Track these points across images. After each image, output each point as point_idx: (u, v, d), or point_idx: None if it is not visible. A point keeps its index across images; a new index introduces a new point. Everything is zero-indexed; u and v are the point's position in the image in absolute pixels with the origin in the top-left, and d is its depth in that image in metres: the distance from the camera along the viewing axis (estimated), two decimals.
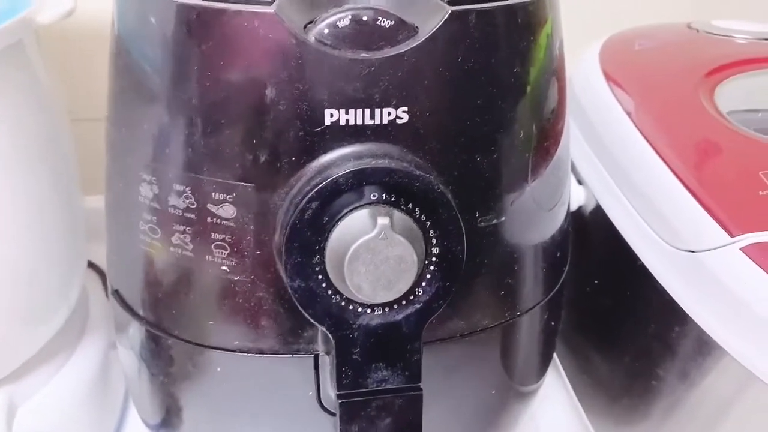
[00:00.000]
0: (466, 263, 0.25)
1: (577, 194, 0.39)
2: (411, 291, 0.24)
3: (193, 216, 0.24)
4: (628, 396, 0.36)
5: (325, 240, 0.23)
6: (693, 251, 0.30)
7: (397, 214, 0.23)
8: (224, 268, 0.25)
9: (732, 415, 0.29)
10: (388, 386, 0.25)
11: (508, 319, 0.28)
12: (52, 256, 0.36)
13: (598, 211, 0.38)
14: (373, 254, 0.22)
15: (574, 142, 0.40)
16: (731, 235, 0.28)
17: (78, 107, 0.47)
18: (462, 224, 0.24)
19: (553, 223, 0.30)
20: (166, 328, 0.27)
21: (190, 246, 0.25)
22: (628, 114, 0.37)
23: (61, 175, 0.36)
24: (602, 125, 0.39)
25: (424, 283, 0.24)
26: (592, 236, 0.40)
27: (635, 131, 0.35)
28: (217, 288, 0.25)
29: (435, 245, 0.24)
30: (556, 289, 0.32)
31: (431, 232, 0.24)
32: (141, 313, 0.28)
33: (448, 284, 0.24)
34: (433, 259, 0.24)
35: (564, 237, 0.32)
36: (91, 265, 0.45)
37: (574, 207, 0.38)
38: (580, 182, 0.40)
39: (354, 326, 0.24)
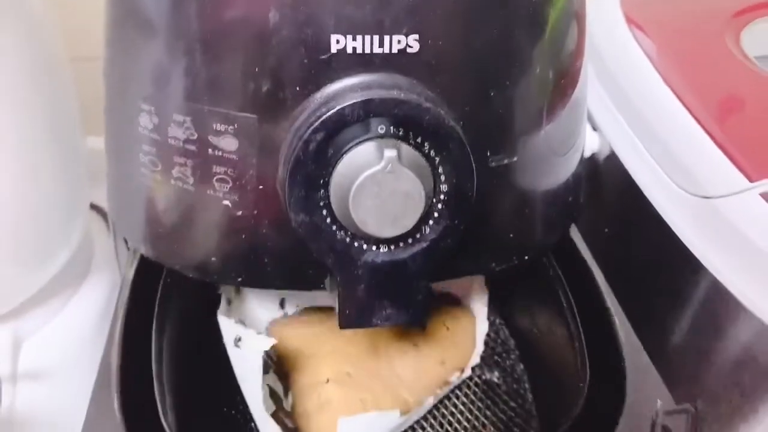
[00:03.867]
0: (475, 204, 0.24)
1: (591, 141, 0.38)
2: (418, 229, 0.23)
3: (193, 148, 0.23)
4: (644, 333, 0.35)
5: (330, 173, 0.22)
6: (709, 197, 0.29)
7: (405, 148, 0.22)
8: (226, 202, 0.24)
9: (748, 365, 0.28)
10: (392, 324, 0.24)
11: (515, 263, 0.28)
12: (53, 196, 0.36)
13: (613, 158, 0.37)
14: (380, 188, 0.21)
15: (590, 88, 0.38)
16: (750, 180, 0.27)
17: (77, 46, 0.45)
18: (472, 161, 0.23)
19: (567, 168, 0.29)
20: (167, 263, 0.26)
21: (191, 179, 0.24)
22: (650, 58, 0.36)
23: (60, 113, 0.36)
24: (621, 70, 0.37)
25: (431, 221, 0.23)
26: (606, 184, 0.39)
27: (656, 75, 0.34)
28: (219, 223, 0.24)
29: (444, 182, 0.23)
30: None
31: (440, 168, 0.23)
32: (142, 248, 0.27)
33: (456, 223, 0.23)
34: (442, 196, 0.23)
35: (577, 183, 0.31)
36: (96, 207, 0.45)
37: (587, 154, 0.37)
38: (594, 129, 0.39)
39: (359, 263, 0.23)
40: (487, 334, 0.42)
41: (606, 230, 0.38)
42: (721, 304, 0.28)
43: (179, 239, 0.26)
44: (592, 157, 0.38)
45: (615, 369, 0.29)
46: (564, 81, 0.26)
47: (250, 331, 0.35)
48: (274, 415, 0.37)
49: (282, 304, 0.42)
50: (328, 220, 0.23)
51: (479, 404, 0.40)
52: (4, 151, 0.31)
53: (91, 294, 0.40)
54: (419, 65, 0.22)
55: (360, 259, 0.23)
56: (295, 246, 0.24)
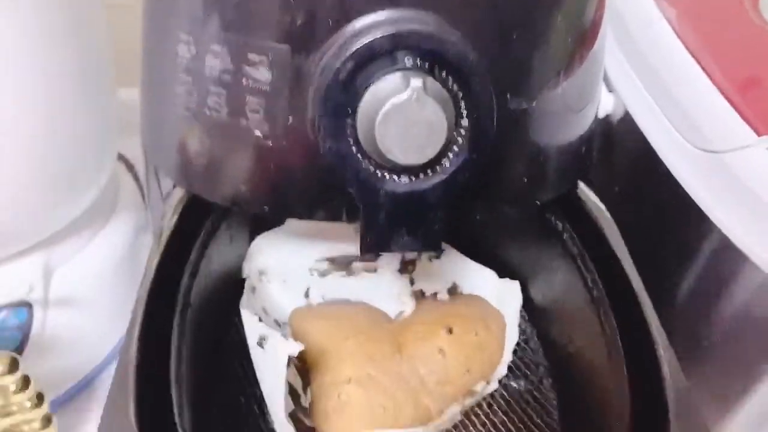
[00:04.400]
0: (493, 144, 0.24)
1: (606, 102, 0.39)
2: (438, 161, 0.24)
3: (228, 78, 0.25)
4: (654, 293, 0.34)
5: (358, 102, 0.23)
6: (718, 152, 0.29)
7: (430, 80, 0.23)
8: (257, 132, 0.25)
9: (752, 319, 0.27)
10: (410, 251, 0.25)
11: (527, 206, 0.28)
12: (85, 138, 0.38)
13: (626, 120, 0.37)
14: (405, 116, 0.22)
15: (609, 51, 0.39)
16: (759, 134, 0.27)
17: None
18: (493, 98, 0.24)
19: (581, 122, 0.30)
20: (197, 191, 0.27)
21: (225, 109, 0.25)
22: (669, 20, 0.36)
23: (94, 58, 0.38)
24: (641, 32, 0.38)
25: (451, 154, 0.24)
26: (618, 145, 0.39)
27: (675, 38, 0.35)
28: (249, 153, 0.25)
29: (465, 116, 0.24)
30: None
31: (462, 102, 0.24)
32: (174, 178, 0.28)
33: (475, 157, 0.24)
34: (462, 130, 0.24)
35: (590, 138, 0.31)
36: (122, 157, 0.48)
37: (602, 114, 0.38)
38: (610, 91, 0.40)
39: (381, 192, 0.24)
40: (516, 344, 0.40)
41: (616, 188, 0.38)
42: (727, 259, 0.28)
43: (210, 168, 0.27)
44: (607, 118, 0.39)
45: (656, 412, 0.28)
46: (584, 35, 0.27)
47: (275, 333, 0.35)
48: (292, 414, 0.36)
49: (307, 294, 0.42)
50: (354, 148, 0.24)
51: (502, 416, 0.38)
52: (39, 91, 0.34)
53: (116, 232, 0.43)
54: (446, 3, 0.24)
55: (382, 187, 0.24)
56: (319, 176, 0.25)
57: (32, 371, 0.37)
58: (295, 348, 0.32)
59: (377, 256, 0.42)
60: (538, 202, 0.30)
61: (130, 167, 0.50)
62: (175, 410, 0.27)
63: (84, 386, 0.43)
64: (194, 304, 0.32)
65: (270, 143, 0.25)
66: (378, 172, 0.24)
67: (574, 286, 0.36)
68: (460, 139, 0.24)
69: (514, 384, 0.40)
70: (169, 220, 0.34)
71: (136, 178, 0.50)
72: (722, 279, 0.31)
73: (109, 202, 0.45)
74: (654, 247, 0.37)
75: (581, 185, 0.38)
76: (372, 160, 0.24)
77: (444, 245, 0.43)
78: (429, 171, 0.24)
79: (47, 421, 0.39)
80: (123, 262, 0.43)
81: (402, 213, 0.25)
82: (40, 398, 0.39)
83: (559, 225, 0.37)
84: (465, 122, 0.24)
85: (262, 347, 0.34)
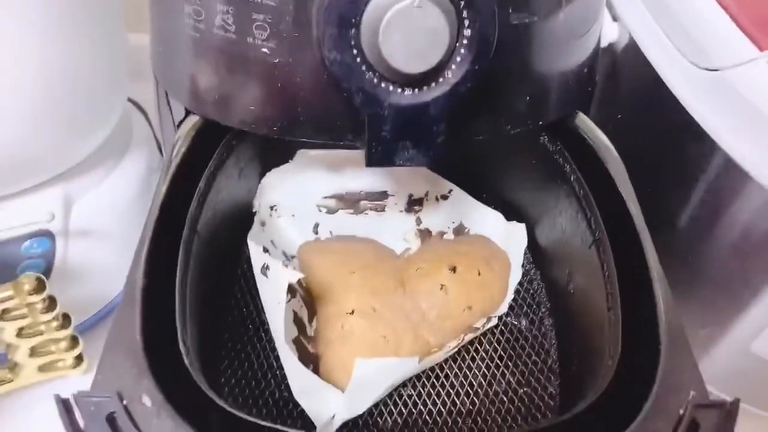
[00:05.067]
0: (495, 61, 0.24)
1: (610, 30, 0.38)
2: (441, 72, 0.23)
3: None
4: (654, 218, 0.34)
5: (362, 13, 0.23)
6: (720, 69, 0.28)
7: None
8: (264, 50, 0.25)
9: (755, 238, 0.27)
10: (414, 164, 0.25)
11: (529, 127, 0.28)
12: (97, 77, 0.40)
13: (630, 46, 0.37)
14: (408, 22, 0.22)
15: None
16: (761, 49, 0.26)
17: None
18: (496, 9, 0.23)
19: (584, 46, 0.29)
20: (207, 113, 0.27)
21: (233, 27, 0.25)
22: None
23: (105, 3, 0.39)
24: None
25: (453, 66, 0.24)
26: (622, 72, 0.38)
27: None
28: (257, 71, 0.25)
29: (467, 27, 0.23)
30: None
31: (465, 12, 0.23)
32: (184, 101, 0.28)
33: (476, 68, 0.24)
34: (464, 41, 0.23)
35: (592, 63, 0.31)
36: (135, 103, 0.50)
37: (605, 44, 0.37)
38: (614, 19, 0.39)
39: (385, 104, 0.24)
40: (519, 283, 0.40)
41: (619, 116, 0.37)
42: (730, 180, 0.28)
43: (219, 89, 0.27)
44: (610, 47, 0.38)
45: (649, 351, 0.28)
46: None
47: (277, 261, 0.35)
48: (296, 340, 0.37)
49: (316, 229, 0.42)
50: (359, 59, 0.23)
51: (501, 353, 0.38)
52: (52, 33, 0.35)
53: (129, 170, 0.45)
54: None
55: (386, 100, 0.24)
56: (326, 95, 0.24)
57: (58, 297, 0.39)
58: (294, 276, 0.33)
59: (384, 196, 0.42)
60: (541, 123, 0.30)
61: (143, 111, 0.51)
62: (179, 330, 0.28)
63: (106, 314, 0.45)
64: (201, 233, 0.33)
65: (277, 60, 0.25)
66: (382, 83, 0.24)
67: (577, 227, 0.36)
68: (462, 49, 0.23)
69: (515, 322, 0.40)
70: (179, 149, 0.34)
71: (148, 121, 0.51)
72: (725, 200, 0.31)
73: (122, 141, 0.46)
74: (657, 172, 0.37)
75: (591, 124, 0.38)
76: (376, 72, 0.23)
77: (452, 186, 0.43)
78: (432, 83, 0.24)
79: (74, 341, 0.41)
80: (137, 197, 0.45)
81: (406, 125, 0.25)
82: (66, 319, 0.41)
83: (566, 166, 0.37)
84: (467, 32, 0.23)
85: (266, 275, 0.35)
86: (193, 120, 0.35)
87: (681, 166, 0.36)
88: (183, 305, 0.29)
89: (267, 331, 0.37)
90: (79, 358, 0.42)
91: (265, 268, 0.34)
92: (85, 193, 0.43)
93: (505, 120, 0.30)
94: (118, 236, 0.45)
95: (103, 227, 0.44)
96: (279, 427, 0.25)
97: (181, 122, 0.35)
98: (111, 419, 0.24)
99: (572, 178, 0.36)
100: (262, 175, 0.41)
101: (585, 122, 0.37)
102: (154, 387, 0.25)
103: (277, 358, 0.35)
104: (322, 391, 0.33)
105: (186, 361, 0.27)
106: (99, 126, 0.42)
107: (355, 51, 0.23)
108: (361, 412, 0.33)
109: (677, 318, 0.29)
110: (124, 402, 0.24)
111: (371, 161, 0.26)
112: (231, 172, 0.37)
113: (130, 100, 0.50)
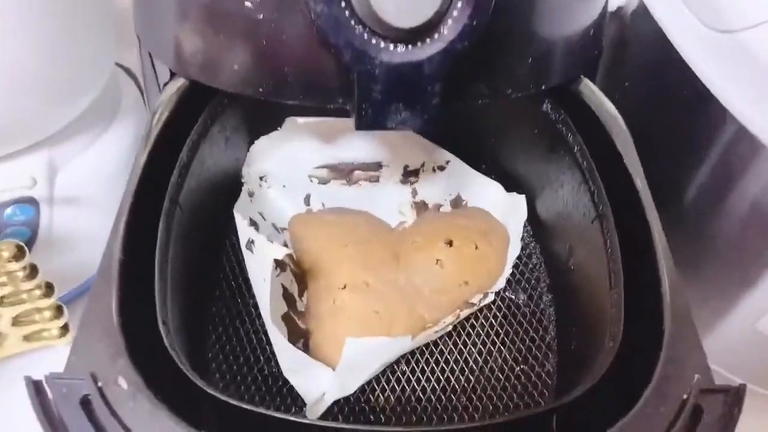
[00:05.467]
0: (496, 19, 0.22)
1: None
2: (436, 28, 0.21)
3: None
4: (661, 191, 0.33)
5: None
6: (733, 30, 0.26)
7: None
8: (248, 3, 0.23)
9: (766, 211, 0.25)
10: (406, 128, 0.23)
11: (531, 91, 0.27)
12: (84, 40, 0.38)
13: (639, 10, 0.35)
14: None
15: None
16: None
17: None
18: None
19: (590, 7, 0.27)
20: (191, 75, 0.26)
21: None
22: None
23: None
24: None
25: (450, 21, 0.21)
26: (630, 36, 0.37)
27: None
28: (241, 29, 0.24)
29: None
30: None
31: None
32: (168, 62, 0.27)
33: (475, 24, 0.22)
34: None
35: (598, 27, 0.29)
36: (123, 67, 0.49)
37: (613, 7, 0.35)
38: None
39: (376, 62, 0.22)
40: (518, 258, 0.39)
41: (626, 84, 0.36)
42: (741, 149, 0.26)
43: (202, 48, 0.25)
44: (619, 12, 0.36)
45: (652, 333, 0.26)
46: None
47: (262, 236, 0.34)
48: (285, 316, 0.36)
49: (307, 200, 0.41)
50: (347, 12, 0.21)
51: (498, 329, 0.37)
52: None
53: (117, 136, 0.44)
54: None
55: (377, 57, 0.22)
56: (314, 52, 0.23)
57: (42, 266, 0.38)
58: (280, 251, 0.31)
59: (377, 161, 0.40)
60: (543, 87, 0.28)
61: (132, 76, 0.49)
62: (158, 308, 0.26)
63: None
64: (183, 205, 0.31)
65: (261, 16, 0.23)
66: (373, 39, 0.22)
67: (579, 201, 0.34)
68: (459, 3, 0.21)
69: (512, 297, 0.39)
70: (160, 116, 0.32)
71: (138, 86, 0.49)
72: (735, 172, 0.30)
73: (109, 106, 0.45)
74: (664, 143, 0.35)
75: (597, 92, 0.35)
76: (366, 26, 0.21)
77: (449, 156, 0.41)
78: (426, 38, 0.22)
79: (58, 311, 0.40)
80: (126, 165, 0.43)
81: (398, 85, 0.23)
82: (49, 288, 0.39)
83: (570, 136, 0.35)
84: None
85: (251, 250, 0.33)
86: (177, 85, 0.33)
87: (690, 136, 0.35)
88: (163, 282, 0.27)
89: (256, 306, 0.35)
90: (65, 328, 0.41)
91: (250, 243, 0.33)
92: (71, 159, 0.41)
93: (504, 83, 0.28)
94: (105, 205, 0.43)
95: (90, 195, 0.42)
96: (261, 410, 0.23)
97: (165, 85, 0.33)
98: (85, 402, 0.23)
99: (575, 149, 0.34)
100: (250, 144, 0.39)
101: (591, 89, 0.35)
102: (131, 368, 0.24)
103: (267, 333, 0.34)
104: (311, 368, 0.32)
105: (166, 342, 0.25)
106: (84, 90, 0.40)
107: (342, 3, 0.21)
108: (351, 392, 0.31)
109: (683, 298, 0.27)
110: (99, 384, 0.23)
111: (361, 124, 0.24)
112: (216, 141, 0.35)
113: (118, 65, 0.48)
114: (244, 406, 0.23)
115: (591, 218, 0.32)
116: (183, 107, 0.33)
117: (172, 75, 0.33)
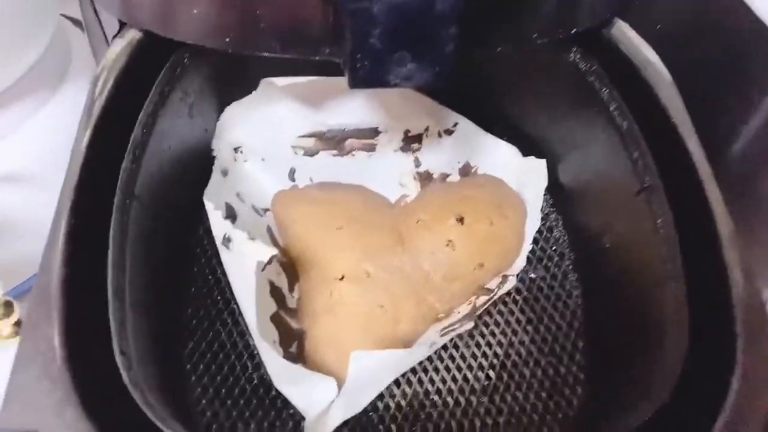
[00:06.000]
0: None
1: None
2: None
3: None
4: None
5: None
6: None
7: None
8: None
9: None
10: (413, 84, 0.19)
11: (560, 36, 0.24)
12: None
13: None
14: None
15: None
16: None
17: None
18: None
19: None
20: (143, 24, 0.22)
21: None
22: None
23: None
24: None
25: None
26: None
27: None
28: None
29: None
30: None
31: None
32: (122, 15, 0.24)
33: None
34: None
35: None
36: (72, 19, 0.44)
37: None
38: None
39: None
40: (537, 231, 0.34)
41: (659, 26, 0.32)
42: None
43: None
44: None
45: (720, 336, 0.22)
46: None
47: (241, 233, 0.28)
48: (275, 317, 0.30)
49: (292, 175, 0.34)
50: None
51: (519, 316, 0.32)
52: None
53: (67, 100, 0.39)
54: None
55: None
56: None
57: None
58: (266, 252, 0.26)
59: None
60: (574, 30, 0.25)
61: (80, 24, 0.43)
62: (114, 335, 0.21)
63: None
64: (142, 196, 0.25)
65: None
66: None
67: (617, 168, 0.29)
68: None
69: (532, 276, 0.34)
70: (103, 85, 0.26)
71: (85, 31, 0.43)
72: None
73: (56, 66, 0.40)
74: (703, 95, 0.30)
75: (635, 37, 0.30)
76: None
77: (457, 117, 0.35)
78: None
79: (8, 307, 0.35)
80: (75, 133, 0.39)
81: (402, 29, 0.19)
82: None
83: (604, 91, 0.29)
84: None
85: (227, 248, 0.27)
86: (122, 43, 0.27)
87: (736, 86, 0.31)
88: (120, 299, 0.22)
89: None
90: (17, 325, 0.36)
91: (226, 240, 0.27)
92: (12, 130, 0.37)
93: (530, 26, 0.24)
94: (56, 185, 0.37)
95: (37, 172, 0.38)
96: None
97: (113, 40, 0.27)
98: None
99: (612, 107, 0.28)
100: (219, 113, 0.33)
101: (625, 33, 0.30)
102: (83, 419, 0.18)
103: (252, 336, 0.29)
104: (309, 379, 0.27)
105: (126, 378, 0.20)
106: (23, 48, 0.36)
107: None
108: (360, 410, 0.27)
109: (755, 292, 0.23)
110: None
111: (356, 80, 0.20)
112: (178, 110, 0.29)
113: (65, 16, 0.43)
114: None
115: (635, 190, 0.27)
116: (133, 71, 0.27)
117: (122, 27, 0.27)
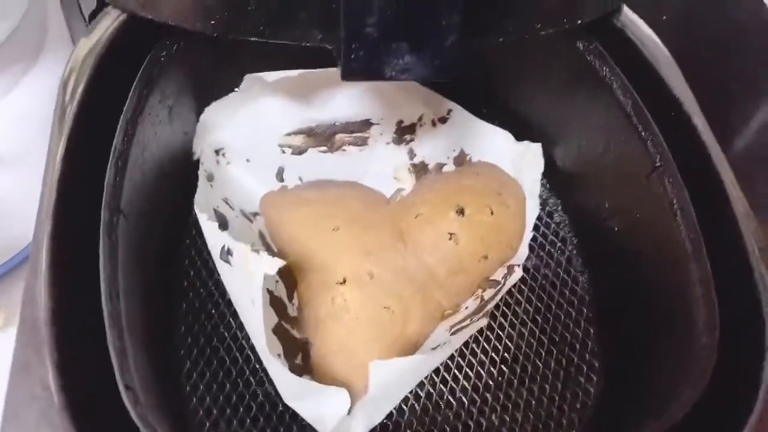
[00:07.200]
0: None
1: None
2: None
3: None
4: None
5: None
6: None
7: None
8: None
9: None
10: (411, 78, 0.18)
11: (564, 27, 0.23)
12: None
13: None
14: None
15: None
16: None
17: None
18: None
19: None
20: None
21: None
22: None
23: None
24: None
25: None
26: None
27: None
28: None
29: None
30: None
31: None
32: None
33: None
34: None
35: None
36: None
37: None
38: None
39: None
40: (537, 218, 0.33)
41: (664, 17, 0.32)
42: None
43: None
44: None
45: (746, 329, 0.21)
46: None
47: (243, 246, 0.25)
48: (277, 329, 0.28)
49: (280, 176, 0.32)
50: None
51: (527, 305, 0.31)
52: None
53: (45, 74, 0.37)
54: None
55: None
56: None
57: None
58: (274, 264, 0.24)
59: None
60: (579, 21, 0.24)
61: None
62: (117, 369, 0.19)
63: (23, 260, 0.35)
64: (128, 211, 0.23)
65: None
66: None
67: (623, 149, 0.28)
68: None
69: (538, 263, 0.33)
70: (73, 88, 0.23)
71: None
72: None
73: (32, 39, 0.38)
74: (708, 81, 0.30)
75: (634, 18, 0.29)
76: None
77: (451, 104, 0.33)
78: None
79: None
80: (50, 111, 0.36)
81: (400, 18, 0.18)
82: None
83: (605, 70, 0.28)
84: None
85: (227, 262, 0.25)
86: (89, 44, 0.24)
87: (742, 71, 0.31)
88: (118, 328, 0.19)
89: (235, 314, 0.28)
90: None
91: (225, 252, 0.25)
92: None
93: (534, 15, 0.23)
94: (33, 163, 0.35)
95: (12, 151, 0.36)
96: None
97: (92, 17, 0.24)
98: None
99: (615, 86, 0.27)
100: (200, 112, 0.30)
101: (626, 14, 0.29)
102: None
103: (254, 348, 0.27)
104: (320, 393, 0.25)
105: (135, 415, 0.18)
106: None
107: None
108: (381, 420, 0.25)
109: None
110: None
111: (350, 72, 0.19)
112: (158, 114, 0.26)
113: None
114: None
115: (645, 171, 0.26)
116: (104, 72, 0.24)
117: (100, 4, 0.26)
